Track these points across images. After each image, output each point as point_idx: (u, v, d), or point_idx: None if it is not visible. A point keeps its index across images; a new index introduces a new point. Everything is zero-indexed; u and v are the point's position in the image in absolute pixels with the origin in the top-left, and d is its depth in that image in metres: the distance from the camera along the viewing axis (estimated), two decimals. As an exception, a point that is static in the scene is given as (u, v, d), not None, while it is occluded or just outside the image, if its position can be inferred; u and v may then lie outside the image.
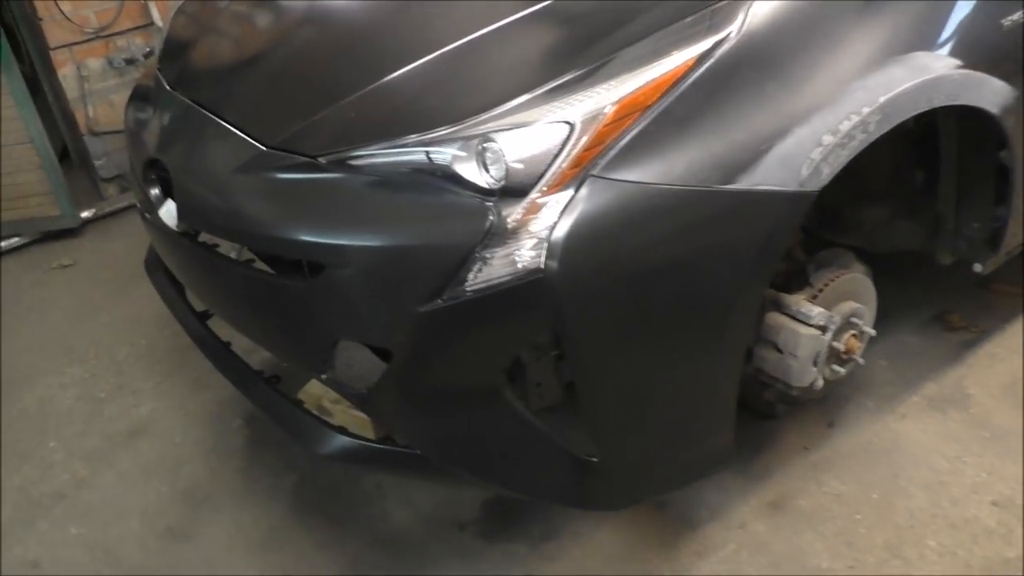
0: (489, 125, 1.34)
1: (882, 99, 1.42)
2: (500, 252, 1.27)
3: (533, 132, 1.31)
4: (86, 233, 3.65)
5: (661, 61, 1.32)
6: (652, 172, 1.29)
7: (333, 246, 1.37)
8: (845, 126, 1.39)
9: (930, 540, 1.79)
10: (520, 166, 1.30)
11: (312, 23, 1.93)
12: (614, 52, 1.36)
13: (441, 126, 1.38)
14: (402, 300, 1.32)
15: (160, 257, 2.09)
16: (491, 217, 1.28)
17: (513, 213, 1.28)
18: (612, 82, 1.31)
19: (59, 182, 3.46)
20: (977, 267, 1.94)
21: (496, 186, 1.31)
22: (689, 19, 1.37)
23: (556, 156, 1.29)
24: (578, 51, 1.41)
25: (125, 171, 3.81)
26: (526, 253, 1.26)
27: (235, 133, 1.64)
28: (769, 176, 1.34)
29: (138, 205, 2.12)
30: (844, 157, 1.41)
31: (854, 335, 1.79)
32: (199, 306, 1.98)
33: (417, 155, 1.38)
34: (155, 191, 1.80)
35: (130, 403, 2.55)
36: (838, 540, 1.81)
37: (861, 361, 1.81)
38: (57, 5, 3.42)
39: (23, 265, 3.45)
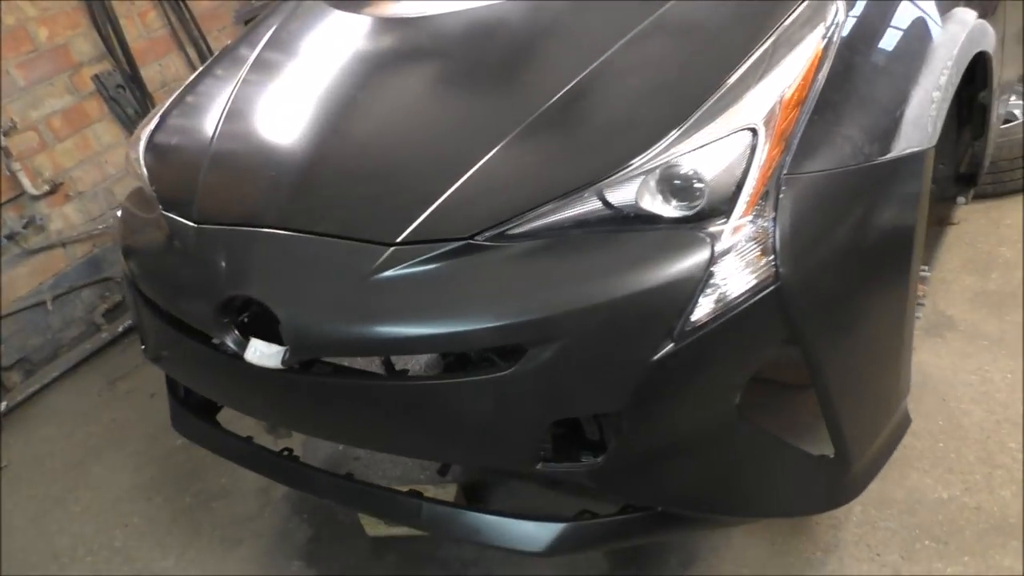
0: (671, 152, 1.31)
1: (955, 52, 1.59)
2: (727, 274, 1.24)
3: (720, 146, 1.29)
4: (5, 429, 3.28)
5: (795, 54, 1.38)
6: (829, 159, 1.33)
7: (536, 322, 1.25)
8: (943, 80, 1.53)
9: (1010, 443, 1.95)
10: (716, 183, 1.27)
11: (387, 104, 1.75)
12: (747, 54, 1.38)
13: (609, 168, 1.33)
14: (630, 355, 1.24)
15: (193, 410, 1.93)
16: (707, 241, 1.24)
17: (725, 231, 1.25)
18: (768, 81, 1.34)
19: (-36, 385, 3.11)
20: (960, 200, 2.16)
21: (694, 210, 1.28)
22: (797, 10, 1.44)
23: (748, 163, 1.28)
24: (715, 60, 1.43)
25: (26, 352, 3.48)
26: (755, 267, 1.24)
27: (342, 243, 1.48)
28: (910, 139, 1.44)
29: (161, 355, 1.95)
30: (944, 109, 1.54)
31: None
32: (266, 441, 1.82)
33: (589, 204, 1.32)
34: (230, 337, 1.59)
35: (159, 586, 2.31)
36: (940, 470, 1.93)
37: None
38: (-83, 196, 3.11)
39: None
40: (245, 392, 1.72)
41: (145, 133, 2.16)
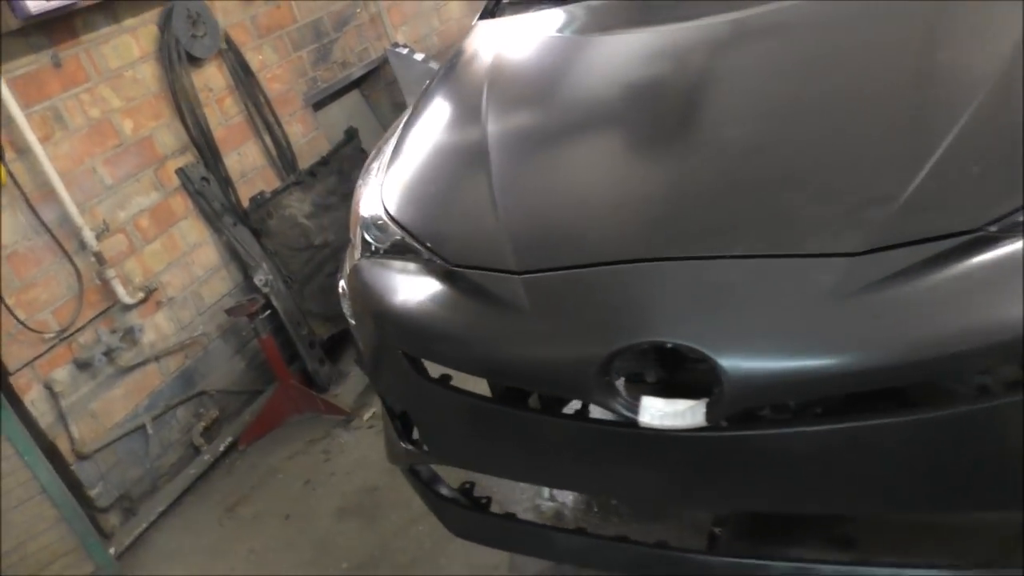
0: None
1: None
2: None
3: None
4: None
5: None
6: None
7: None
8: None
9: None
10: None
11: (749, 106, 1.55)
12: None
13: None
14: None
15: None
16: None
17: None
18: None
19: (87, 530, 2.64)
20: None
21: None
22: None
23: None
24: None
25: (125, 488, 3.02)
26: None
27: (777, 262, 1.26)
28: None
29: (456, 445, 1.63)
30: None
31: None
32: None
33: None
34: (617, 400, 1.32)
35: None
36: None
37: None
38: (10, 312, 2.68)
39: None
40: (622, 468, 1.43)
41: (374, 192, 1.93)
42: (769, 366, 1.20)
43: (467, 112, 1.99)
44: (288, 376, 3.37)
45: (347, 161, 4.03)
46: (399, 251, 1.76)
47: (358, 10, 4.36)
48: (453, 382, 1.63)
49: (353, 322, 1.88)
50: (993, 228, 1.16)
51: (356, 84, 4.42)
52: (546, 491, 1.96)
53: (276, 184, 3.70)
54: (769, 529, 2.00)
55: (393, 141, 2.05)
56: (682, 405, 1.27)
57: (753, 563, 1.44)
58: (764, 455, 1.27)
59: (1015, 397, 1.12)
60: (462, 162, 1.85)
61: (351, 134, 4.09)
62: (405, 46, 4.36)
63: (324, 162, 3.87)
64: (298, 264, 3.62)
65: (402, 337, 1.63)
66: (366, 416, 3.24)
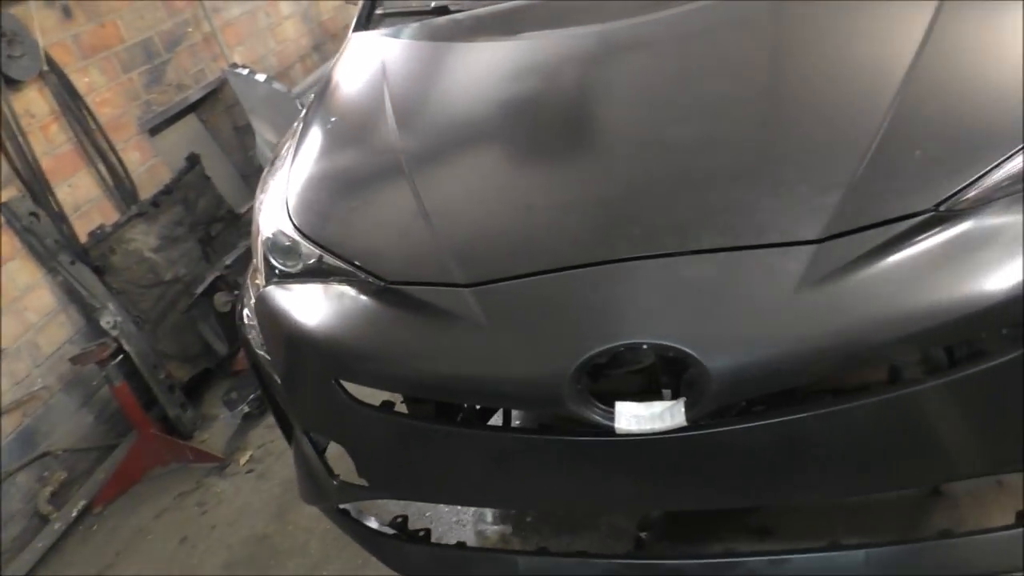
0: None
1: None
2: None
3: None
4: None
5: None
6: None
7: None
8: None
9: None
10: None
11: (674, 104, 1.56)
12: None
13: None
14: None
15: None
16: None
17: None
18: None
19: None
20: None
21: None
22: None
23: None
24: None
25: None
26: None
27: (741, 255, 1.25)
28: None
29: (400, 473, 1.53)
30: None
31: None
32: None
33: None
34: (589, 408, 1.26)
35: None
36: None
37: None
38: None
39: None
40: (596, 478, 1.38)
41: (277, 211, 1.78)
42: (752, 360, 1.19)
43: (369, 123, 1.89)
44: (148, 425, 3.05)
45: (192, 189, 3.75)
46: (314, 273, 1.63)
47: (189, 29, 4.08)
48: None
49: (262, 354, 1.72)
50: (943, 208, 1.22)
51: (193, 108, 4.13)
52: (488, 515, 1.88)
53: (116, 217, 3.37)
54: (689, 528, 2.03)
55: (288, 157, 1.91)
56: (659, 407, 1.25)
57: (725, 562, 1.43)
58: (746, 449, 1.27)
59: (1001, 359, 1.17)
60: (377, 175, 1.75)
61: (193, 160, 3.81)
62: (244, 67, 4.12)
63: (167, 191, 3.58)
64: (148, 302, 3.31)
65: (335, 365, 1.50)
66: (243, 460, 3.00)
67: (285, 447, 3.04)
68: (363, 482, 1.60)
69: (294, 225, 1.69)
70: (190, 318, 3.47)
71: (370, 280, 1.50)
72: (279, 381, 1.66)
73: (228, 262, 3.68)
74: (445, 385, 1.39)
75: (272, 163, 2.01)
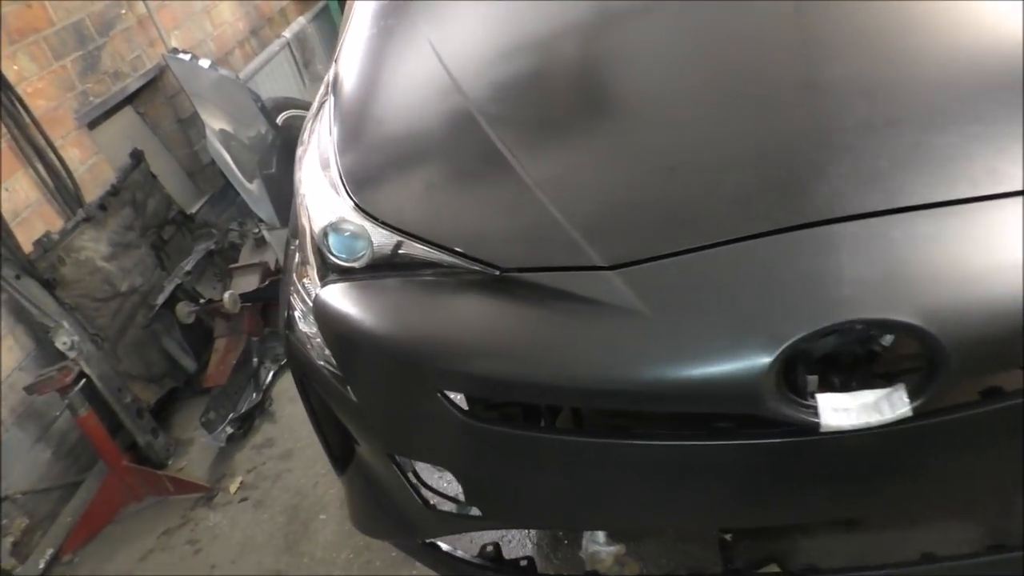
0: None
1: None
2: None
3: None
4: None
5: None
6: None
7: None
8: None
9: None
10: None
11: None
12: None
13: None
14: None
15: None
16: None
17: None
18: None
19: None
20: None
21: None
22: None
23: None
24: None
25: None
26: None
27: (956, 209, 1.09)
28: None
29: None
30: None
31: None
32: None
33: None
34: (790, 405, 1.07)
35: None
36: None
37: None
38: None
39: None
40: (788, 488, 1.19)
41: (328, 194, 1.50)
42: (994, 331, 1.01)
43: (420, 79, 1.62)
44: (118, 457, 2.70)
45: (139, 189, 3.38)
46: (386, 265, 1.37)
47: (123, 11, 3.67)
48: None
49: (323, 364, 1.45)
50: None
51: (130, 100, 3.72)
52: (600, 536, 1.66)
53: (60, 223, 2.98)
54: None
55: (326, 136, 1.62)
56: (870, 396, 1.06)
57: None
58: (979, 439, 1.10)
59: None
60: (452, 139, 1.48)
61: (137, 157, 3.44)
62: (186, 52, 3.74)
63: (114, 192, 3.20)
64: (105, 317, 2.94)
65: (441, 375, 1.25)
66: (233, 487, 2.69)
67: (280, 470, 2.77)
68: (472, 510, 1.36)
69: (360, 209, 1.42)
70: (152, 332, 3.12)
71: (477, 269, 1.27)
72: (355, 399, 1.39)
73: (188, 268, 3.33)
74: (598, 389, 1.15)
75: (304, 139, 1.73)
